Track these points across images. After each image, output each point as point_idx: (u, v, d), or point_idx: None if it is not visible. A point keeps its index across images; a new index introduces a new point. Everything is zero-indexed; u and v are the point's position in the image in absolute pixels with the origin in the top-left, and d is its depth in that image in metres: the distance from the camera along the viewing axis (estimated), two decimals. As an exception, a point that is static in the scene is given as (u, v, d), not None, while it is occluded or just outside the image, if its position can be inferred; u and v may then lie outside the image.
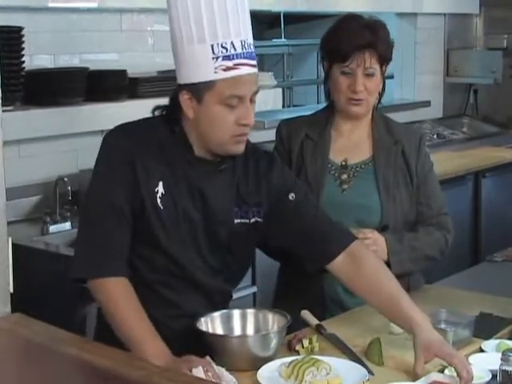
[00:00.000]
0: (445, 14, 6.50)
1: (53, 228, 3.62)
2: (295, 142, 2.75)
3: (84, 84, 3.85)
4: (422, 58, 6.38)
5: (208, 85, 2.17)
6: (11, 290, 2.25)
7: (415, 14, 6.27)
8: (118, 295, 2.16)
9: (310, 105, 6.05)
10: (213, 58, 2.15)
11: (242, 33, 2.22)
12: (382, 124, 2.79)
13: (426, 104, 6.32)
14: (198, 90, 2.18)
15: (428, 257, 2.74)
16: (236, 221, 2.32)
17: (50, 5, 3.83)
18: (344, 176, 2.72)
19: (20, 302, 2.33)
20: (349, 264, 2.35)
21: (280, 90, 4.93)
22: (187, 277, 2.29)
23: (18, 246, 2.96)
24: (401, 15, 6.26)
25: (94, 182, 2.28)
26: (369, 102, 2.69)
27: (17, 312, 2.24)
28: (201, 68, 2.17)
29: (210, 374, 2.01)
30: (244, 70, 2.19)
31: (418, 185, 2.76)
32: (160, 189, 2.23)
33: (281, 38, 6.14)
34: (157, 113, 2.34)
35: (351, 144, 2.76)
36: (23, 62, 3.66)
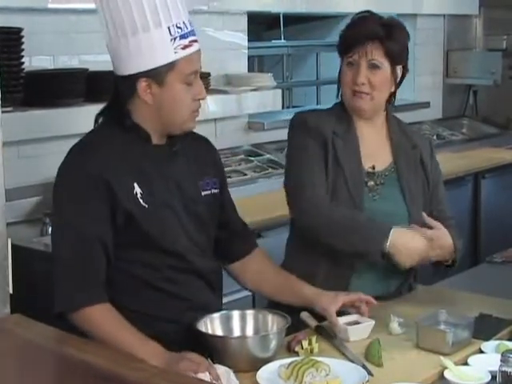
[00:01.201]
0: (444, 15, 6.50)
1: (52, 229, 3.62)
2: (327, 133, 2.63)
3: (83, 85, 3.86)
4: (421, 58, 6.38)
5: (169, 66, 2.22)
6: (11, 291, 2.25)
7: (415, 15, 6.27)
8: (104, 322, 2.16)
9: (310, 106, 6.05)
10: (171, 40, 2.21)
11: (187, 12, 2.28)
12: (397, 127, 2.75)
13: (426, 105, 6.32)
14: (159, 74, 2.22)
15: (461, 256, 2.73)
16: (203, 193, 2.39)
17: (50, 6, 3.83)
18: (371, 182, 2.65)
19: (19, 302, 2.33)
20: (246, 265, 2.56)
21: (279, 91, 4.92)
22: (187, 265, 2.31)
23: (18, 247, 2.96)
24: (400, 16, 6.24)
25: (66, 214, 2.23)
26: (373, 97, 2.61)
27: (16, 313, 2.24)
28: (160, 51, 2.21)
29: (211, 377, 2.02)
30: (196, 46, 2.27)
31: (432, 189, 2.75)
32: (137, 190, 2.24)
33: (280, 39, 6.13)
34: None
35: (373, 149, 2.69)
36: (23, 63, 3.66)
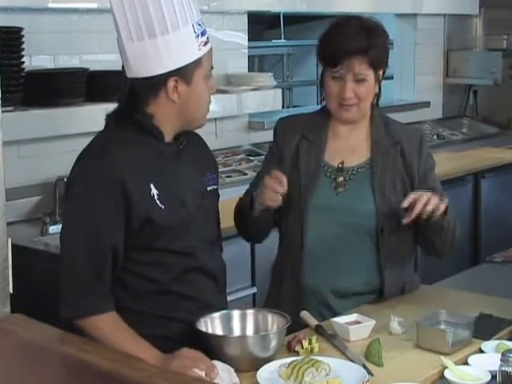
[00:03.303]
0: (444, 15, 6.51)
1: (52, 228, 3.62)
2: (290, 142, 2.71)
3: (84, 84, 3.86)
4: (421, 58, 6.39)
5: (196, 63, 2.25)
6: (11, 291, 2.25)
7: (415, 15, 6.27)
8: (109, 332, 2.19)
9: (310, 105, 6.06)
10: (196, 37, 2.24)
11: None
12: (382, 125, 2.74)
13: (426, 105, 6.33)
14: (187, 72, 2.24)
15: (453, 240, 2.67)
16: (208, 188, 2.41)
17: (50, 5, 3.83)
18: (340, 179, 2.66)
19: (20, 302, 2.33)
20: None
21: (280, 90, 4.93)
22: (197, 263, 2.32)
23: (18, 246, 2.96)
24: (400, 16, 6.26)
25: (80, 219, 2.22)
26: (360, 108, 2.64)
27: (16, 312, 2.24)
28: (188, 49, 2.23)
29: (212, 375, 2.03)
30: (210, 42, 2.30)
31: (419, 184, 2.69)
32: (154, 190, 2.24)
33: (280, 38, 6.14)
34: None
35: (349, 146, 2.71)
36: (23, 62, 3.67)
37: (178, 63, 2.22)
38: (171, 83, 2.24)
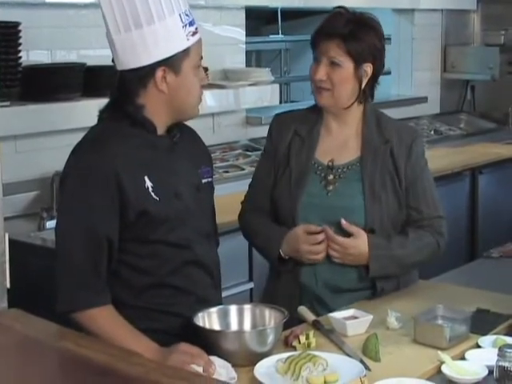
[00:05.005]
0: (442, 10, 6.50)
1: (50, 224, 3.61)
2: (285, 139, 2.71)
3: (81, 79, 3.85)
4: (419, 54, 6.38)
5: (184, 53, 2.25)
6: (8, 286, 2.25)
7: (412, 10, 6.27)
8: (106, 325, 2.19)
9: (308, 101, 6.04)
10: (183, 27, 2.25)
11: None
12: (374, 122, 2.70)
13: (423, 100, 6.32)
14: (175, 61, 2.25)
15: (415, 263, 2.70)
16: (203, 181, 2.41)
17: (47, 0, 3.82)
18: (330, 177, 2.65)
19: (17, 297, 2.33)
20: None
21: (277, 85, 4.93)
22: (192, 255, 2.32)
23: (15, 241, 2.95)
24: (398, 11, 6.26)
25: (76, 212, 2.22)
26: (333, 94, 2.62)
27: (14, 307, 2.24)
28: (175, 39, 2.24)
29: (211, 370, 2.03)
30: (199, 33, 2.31)
31: (407, 187, 2.66)
32: (148, 183, 2.24)
33: (278, 33, 6.12)
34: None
35: (339, 143, 2.70)
36: (20, 57, 3.66)
37: (166, 53, 2.23)
38: (159, 73, 2.24)
